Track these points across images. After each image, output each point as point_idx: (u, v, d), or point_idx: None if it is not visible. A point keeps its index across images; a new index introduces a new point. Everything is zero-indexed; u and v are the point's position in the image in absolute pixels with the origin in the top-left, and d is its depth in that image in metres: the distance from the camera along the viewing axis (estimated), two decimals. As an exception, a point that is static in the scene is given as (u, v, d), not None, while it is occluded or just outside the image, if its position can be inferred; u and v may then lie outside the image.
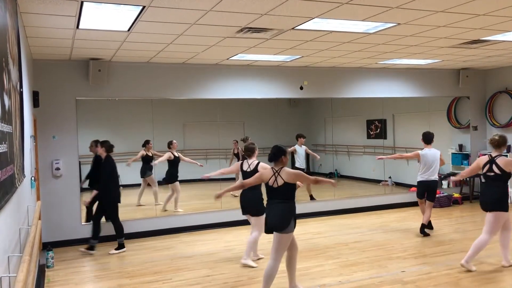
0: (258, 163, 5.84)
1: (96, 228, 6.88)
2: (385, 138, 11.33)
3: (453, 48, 7.47)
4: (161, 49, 6.84)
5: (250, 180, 4.90)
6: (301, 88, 9.11)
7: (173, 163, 9.03)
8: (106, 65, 7.50)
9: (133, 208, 9.28)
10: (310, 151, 10.24)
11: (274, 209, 4.62)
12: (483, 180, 5.57)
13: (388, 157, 8.48)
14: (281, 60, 8.23)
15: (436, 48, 7.45)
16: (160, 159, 8.94)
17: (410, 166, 10.70)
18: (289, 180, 4.56)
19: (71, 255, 6.80)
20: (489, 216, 5.41)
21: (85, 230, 7.27)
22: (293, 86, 9.06)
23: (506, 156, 5.50)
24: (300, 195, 4.84)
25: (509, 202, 5.51)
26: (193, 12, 4.88)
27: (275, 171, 4.63)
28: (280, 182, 4.57)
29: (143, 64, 7.92)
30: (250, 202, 5.90)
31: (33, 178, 5.29)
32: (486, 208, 5.47)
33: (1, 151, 2.49)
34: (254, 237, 5.97)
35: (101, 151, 6.93)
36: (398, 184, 11.17)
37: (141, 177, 9.41)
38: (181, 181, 9.17)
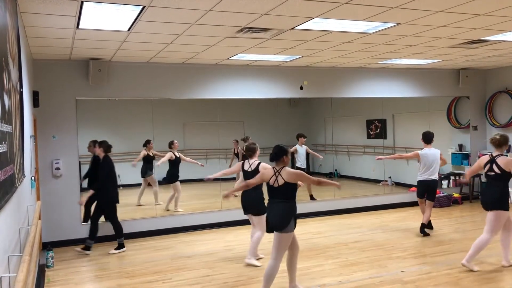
0: (259, 163, 5.85)
1: (94, 229, 6.86)
2: (385, 138, 11.33)
3: (453, 48, 7.47)
4: (161, 49, 6.84)
5: (253, 180, 4.93)
6: (301, 88, 9.11)
7: (174, 163, 9.04)
8: (106, 65, 7.51)
9: (133, 208, 9.28)
10: (311, 151, 10.25)
11: (275, 208, 4.63)
12: (483, 180, 5.57)
13: (388, 157, 8.48)
14: (281, 60, 8.23)
15: (436, 48, 7.45)
16: (163, 159, 8.94)
17: (410, 166, 10.70)
18: (290, 180, 4.56)
19: (71, 255, 6.80)
20: (489, 215, 5.42)
21: (85, 230, 7.25)
22: (293, 86, 9.06)
23: (507, 155, 5.48)
24: (300, 195, 4.83)
25: (510, 201, 5.51)
26: (193, 12, 4.88)
27: (276, 171, 4.64)
28: (281, 181, 4.57)
29: (143, 64, 7.93)
30: (251, 202, 5.91)
31: (33, 178, 5.29)
32: (487, 207, 5.48)
33: (1, 151, 2.49)
34: (258, 237, 5.97)
35: (99, 151, 6.92)
36: (398, 184, 11.17)
37: (142, 176, 9.41)
38: (181, 181, 9.17)
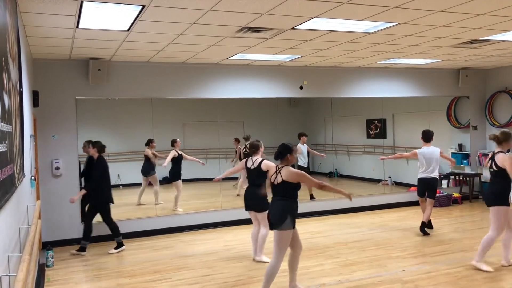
0: (261, 161, 5.86)
1: (87, 229, 6.84)
2: (385, 137, 11.33)
3: (453, 47, 7.48)
4: (161, 49, 6.84)
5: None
6: (301, 87, 9.11)
7: (177, 161, 9.07)
8: (106, 65, 7.51)
9: (134, 207, 9.29)
10: (312, 150, 10.25)
11: (274, 205, 4.69)
12: (483, 180, 5.61)
13: (389, 157, 8.49)
14: (281, 60, 8.23)
15: (436, 48, 7.45)
16: (168, 158, 8.97)
17: (409, 165, 10.70)
18: (289, 179, 4.56)
19: (70, 254, 6.79)
20: (490, 211, 5.48)
21: (85, 229, 7.27)
22: (293, 85, 9.06)
23: (504, 153, 5.47)
24: (300, 194, 4.81)
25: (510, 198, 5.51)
26: (193, 12, 4.88)
27: (277, 168, 4.68)
28: (279, 179, 4.60)
29: (143, 63, 7.93)
30: (254, 199, 5.93)
31: (33, 177, 5.29)
32: (487, 203, 5.56)
33: (1, 150, 2.49)
34: (263, 235, 5.99)
35: (93, 152, 6.89)
36: (397, 184, 11.17)
37: (145, 176, 9.43)
38: (181, 180, 9.17)
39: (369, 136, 11.75)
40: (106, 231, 7.11)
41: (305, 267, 5.73)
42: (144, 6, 4.61)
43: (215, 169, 9.59)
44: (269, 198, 5.12)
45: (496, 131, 5.57)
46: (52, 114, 7.37)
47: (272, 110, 10.77)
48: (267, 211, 5.47)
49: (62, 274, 5.92)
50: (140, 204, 9.42)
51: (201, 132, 10.85)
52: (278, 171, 4.65)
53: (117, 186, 10.10)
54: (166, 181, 10.01)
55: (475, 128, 10.56)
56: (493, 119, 10.37)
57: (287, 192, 4.60)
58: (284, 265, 4.93)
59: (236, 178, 10.49)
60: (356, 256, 6.24)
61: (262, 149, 6.03)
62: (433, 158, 7.35)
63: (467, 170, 10.57)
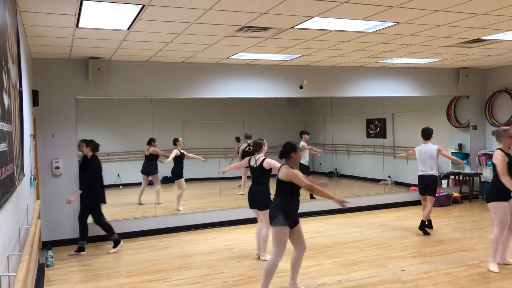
0: (264, 159, 5.87)
1: (83, 228, 6.82)
2: (384, 137, 11.33)
3: (453, 47, 7.47)
4: (161, 48, 6.84)
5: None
6: (301, 87, 9.11)
7: (179, 160, 9.09)
8: (105, 64, 7.50)
9: (134, 207, 9.28)
10: (307, 147, 10.21)
11: (271, 202, 4.84)
12: (483, 180, 5.62)
13: (402, 155, 8.55)
14: (281, 59, 8.22)
15: (436, 47, 7.45)
16: (171, 156, 9.01)
17: (409, 165, 10.69)
18: (282, 178, 4.62)
19: (70, 254, 6.79)
20: (489, 208, 5.53)
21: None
22: (292, 85, 9.06)
23: (499, 149, 5.50)
24: (301, 193, 4.81)
25: None
26: (193, 11, 4.88)
27: (280, 167, 4.77)
28: (278, 177, 4.69)
29: (142, 63, 7.92)
30: (257, 197, 5.96)
31: (32, 177, 5.28)
32: (486, 200, 5.63)
33: (1, 150, 2.49)
34: (265, 234, 6.01)
35: (87, 151, 6.85)
36: (397, 184, 11.17)
37: (148, 175, 9.43)
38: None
39: (369, 135, 11.74)
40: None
41: (305, 266, 5.71)
42: (143, 6, 4.61)
43: (215, 168, 9.55)
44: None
45: (495, 128, 5.61)
46: (51, 113, 7.36)
47: (272, 109, 10.77)
48: (268, 209, 5.57)
49: (62, 274, 5.91)
50: (140, 204, 9.42)
51: (201, 132, 10.85)
52: (279, 169, 4.74)
53: (117, 185, 10.11)
54: (166, 181, 10.02)
55: (475, 127, 10.56)
56: (493, 118, 10.37)
57: (282, 189, 4.66)
58: (283, 265, 4.94)
59: (240, 178, 10.52)
60: (356, 256, 6.24)
61: (265, 147, 6.05)
62: (428, 155, 7.38)
63: (467, 169, 10.57)
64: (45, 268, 6.10)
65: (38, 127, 7.19)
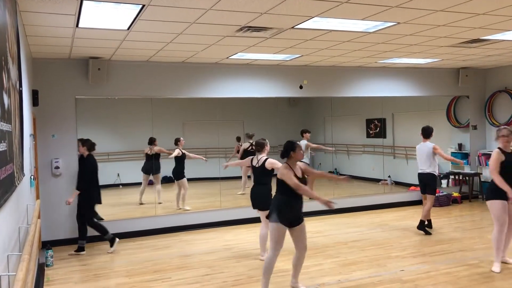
0: (266, 159, 5.88)
1: (82, 228, 6.81)
2: (384, 137, 11.34)
3: (453, 47, 7.47)
4: (161, 48, 6.84)
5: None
6: (301, 87, 9.11)
7: (180, 160, 9.09)
8: (105, 64, 7.50)
9: (133, 206, 9.28)
10: (312, 145, 10.25)
11: (272, 199, 4.91)
12: (483, 180, 5.65)
13: None
14: (281, 59, 8.22)
15: (436, 47, 7.45)
16: (173, 154, 9.04)
17: (409, 165, 10.70)
18: (279, 177, 4.69)
19: (70, 254, 6.79)
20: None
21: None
22: (292, 85, 9.06)
23: (499, 149, 5.53)
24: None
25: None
26: (193, 11, 4.88)
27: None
28: (277, 176, 4.74)
29: (142, 63, 7.92)
30: (258, 197, 5.97)
31: (32, 176, 5.28)
32: (485, 198, 5.68)
33: (1, 149, 2.49)
34: (265, 234, 6.02)
35: (83, 150, 6.82)
36: (397, 183, 11.17)
37: (152, 174, 9.43)
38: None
39: (368, 135, 11.75)
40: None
41: (304, 266, 5.68)
42: (143, 5, 4.61)
43: (215, 168, 9.59)
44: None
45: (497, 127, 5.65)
46: (51, 113, 7.36)
47: (272, 109, 10.77)
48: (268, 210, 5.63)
49: (62, 274, 5.92)
50: (141, 204, 9.40)
51: (201, 132, 10.86)
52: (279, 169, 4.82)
53: (116, 185, 10.12)
54: (166, 181, 10.03)
55: (474, 127, 10.56)
56: (492, 118, 10.37)
57: (281, 188, 4.71)
58: (283, 264, 4.95)
59: (240, 178, 10.53)
60: (355, 256, 6.24)
61: (267, 147, 6.06)
62: (424, 153, 7.44)
63: (467, 169, 10.58)
64: (45, 268, 6.11)
65: (38, 127, 7.19)
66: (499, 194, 5.37)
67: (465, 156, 10.61)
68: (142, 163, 9.60)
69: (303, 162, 9.63)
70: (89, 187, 6.74)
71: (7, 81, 2.89)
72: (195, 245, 7.17)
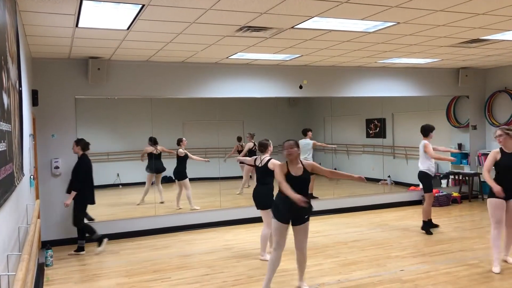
0: (269, 160, 5.88)
1: (82, 228, 6.80)
2: (384, 137, 11.34)
3: (453, 47, 7.48)
4: (161, 48, 6.84)
5: None
6: (301, 87, 9.11)
7: (182, 160, 9.08)
8: (105, 64, 7.50)
9: (133, 206, 9.27)
10: (320, 144, 10.30)
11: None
12: (482, 180, 5.69)
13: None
14: (281, 59, 8.22)
15: (436, 47, 7.45)
16: (183, 151, 9.06)
17: (409, 165, 10.70)
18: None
19: (70, 253, 6.79)
20: None
21: (84, 228, 7.26)
22: (292, 85, 9.06)
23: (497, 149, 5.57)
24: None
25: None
26: (193, 11, 4.88)
27: None
28: None
29: (142, 62, 7.92)
30: (259, 197, 6.00)
31: (32, 176, 5.28)
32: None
33: (0, 149, 2.49)
34: (265, 234, 6.05)
35: (77, 150, 6.76)
36: (397, 183, 11.17)
37: (156, 173, 9.43)
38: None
39: (368, 135, 11.75)
40: (105, 230, 7.11)
41: (304, 266, 5.73)
42: (143, 5, 4.61)
43: (214, 168, 9.60)
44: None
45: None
46: (51, 113, 7.36)
47: (272, 109, 10.77)
48: (269, 210, 5.67)
49: (62, 274, 5.91)
50: (139, 204, 9.37)
51: (201, 132, 10.85)
52: None
53: (116, 185, 10.11)
54: (166, 180, 10.02)
55: (474, 127, 10.56)
56: (492, 118, 10.37)
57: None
58: (283, 264, 4.95)
59: (240, 178, 10.52)
60: (355, 256, 6.24)
61: (270, 148, 6.07)
62: (420, 151, 7.52)
63: (467, 169, 10.58)
64: (45, 268, 6.10)
65: (37, 127, 7.19)
66: (492, 193, 5.43)
67: (465, 156, 10.61)
68: (142, 163, 9.59)
69: (307, 160, 9.68)
70: (83, 187, 6.68)
71: (6, 81, 2.89)
72: (194, 245, 7.17)
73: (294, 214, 4.68)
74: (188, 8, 4.75)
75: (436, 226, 7.67)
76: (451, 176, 10.74)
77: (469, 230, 7.68)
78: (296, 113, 11.86)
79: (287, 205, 4.60)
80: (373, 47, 7.29)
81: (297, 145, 4.74)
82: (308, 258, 6.07)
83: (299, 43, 6.75)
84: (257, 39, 6.34)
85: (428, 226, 7.47)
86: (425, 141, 7.44)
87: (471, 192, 10.36)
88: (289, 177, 4.57)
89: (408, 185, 10.48)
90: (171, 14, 4.96)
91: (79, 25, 5.31)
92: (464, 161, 10.62)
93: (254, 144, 10.02)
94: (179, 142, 9.11)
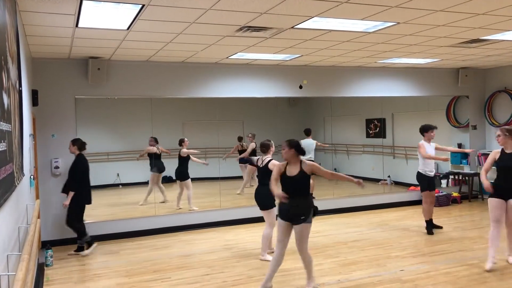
0: (269, 160, 5.90)
1: (81, 228, 6.81)
2: (384, 137, 11.34)
3: (452, 47, 7.48)
4: (160, 48, 6.84)
5: None
6: (301, 87, 9.11)
7: (184, 160, 9.08)
8: (105, 64, 7.50)
9: (133, 206, 9.27)
10: (319, 144, 10.34)
11: None
12: None
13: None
14: (281, 59, 8.22)
15: (435, 47, 7.45)
16: (189, 151, 9.08)
17: (409, 165, 10.70)
18: None
19: (70, 253, 6.79)
20: None
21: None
22: (292, 85, 9.06)
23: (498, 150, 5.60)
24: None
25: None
26: (193, 11, 4.88)
27: None
28: None
29: (142, 62, 7.92)
30: (259, 197, 6.02)
31: (32, 176, 5.28)
32: None
33: (1, 149, 2.49)
34: (265, 234, 6.06)
35: (73, 150, 6.74)
36: (397, 183, 11.18)
37: (158, 172, 9.44)
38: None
39: (368, 135, 11.75)
40: (105, 230, 7.12)
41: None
42: (143, 5, 4.61)
43: (214, 168, 9.60)
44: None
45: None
46: (51, 113, 7.36)
47: (272, 109, 10.77)
48: (270, 210, 5.92)
49: (62, 274, 5.91)
50: (145, 203, 9.34)
51: (201, 132, 10.85)
52: None
53: (116, 185, 10.11)
54: (166, 180, 10.02)
55: (474, 127, 10.56)
56: (492, 118, 10.37)
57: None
58: (284, 264, 4.95)
59: (240, 178, 10.53)
60: (355, 256, 6.24)
61: (272, 148, 6.08)
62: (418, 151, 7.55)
63: (466, 169, 10.58)
64: (45, 268, 6.10)
65: (37, 127, 7.19)
66: (495, 192, 5.44)
67: (465, 156, 10.61)
68: (141, 163, 9.59)
69: (311, 160, 9.69)
70: (80, 187, 6.67)
71: (6, 80, 2.89)
72: (194, 245, 7.17)
73: (293, 212, 4.71)
74: (188, 8, 4.75)
75: (439, 227, 7.66)
76: (451, 176, 10.74)
77: (469, 230, 7.68)
78: (296, 113, 11.87)
79: (288, 204, 4.68)
80: (373, 47, 7.29)
81: (290, 145, 4.72)
82: (308, 258, 6.11)
83: (299, 43, 6.75)
84: (257, 39, 6.34)
85: (430, 226, 7.47)
86: (420, 141, 7.45)
87: (471, 192, 10.36)
88: (283, 177, 4.75)
89: (408, 185, 10.48)
90: (171, 14, 4.96)
91: (79, 25, 5.31)
92: (464, 161, 10.62)
93: (257, 145, 10.04)
94: (181, 142, 9.10)
